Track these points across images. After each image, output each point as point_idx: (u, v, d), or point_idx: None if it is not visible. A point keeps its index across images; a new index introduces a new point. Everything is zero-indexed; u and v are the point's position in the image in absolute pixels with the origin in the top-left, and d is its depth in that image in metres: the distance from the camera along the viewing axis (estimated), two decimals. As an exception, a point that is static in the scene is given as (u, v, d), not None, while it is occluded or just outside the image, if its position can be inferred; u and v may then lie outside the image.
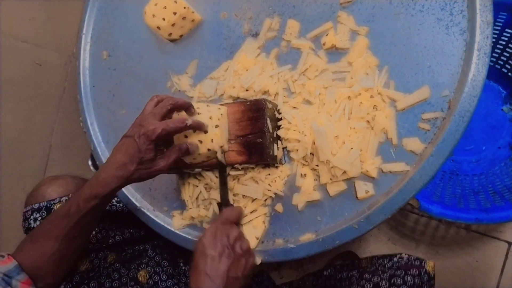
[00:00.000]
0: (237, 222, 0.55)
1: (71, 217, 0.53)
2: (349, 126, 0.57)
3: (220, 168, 0.60)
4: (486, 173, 0.88)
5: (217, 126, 0.58)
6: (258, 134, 0.58)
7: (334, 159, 0.56)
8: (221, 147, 0.59)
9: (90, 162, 1.27)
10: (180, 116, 0.57)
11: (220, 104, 0.62)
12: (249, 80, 0.65)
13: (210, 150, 0.58)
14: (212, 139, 0.57)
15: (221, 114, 0.59)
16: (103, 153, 0.80)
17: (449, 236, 0.95)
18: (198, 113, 0.58)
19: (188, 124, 0.53)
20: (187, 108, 0.56)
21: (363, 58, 0.59)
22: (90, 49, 0.85)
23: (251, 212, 0.63)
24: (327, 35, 0.62)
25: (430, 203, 0.73)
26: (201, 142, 0.57)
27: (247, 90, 0.65)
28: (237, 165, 0.61)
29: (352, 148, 0.56)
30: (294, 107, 0.62)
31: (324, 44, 0.62)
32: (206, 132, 0.57)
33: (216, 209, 0.64)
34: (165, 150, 0.55)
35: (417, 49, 0.56)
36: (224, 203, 0.61)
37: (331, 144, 0.57)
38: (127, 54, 0.80)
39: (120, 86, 0.80)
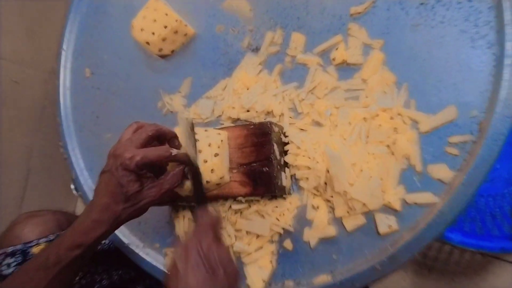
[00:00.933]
0: (215, 228, 0.45)
1: (50, 269, 0.44)
2: (367, 152, 0.51)
3: (191, 167, 0.49)
4: (502, 193, 0.82)
5: (216, 154, 0.50)
6: (264, 162, 0.51)
7: (352, 190, 0.49)
8: (221, 178, 0.51)
9: (72, 186, 1.18)
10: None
11: (220, 128, 0.55)
12: (251, 99, 0.58)
13: (209, 182, 0.51)
14: (212, 170, 0.50)
15: (221, 141, 0.52)
16: (86, 182, 0.71)
17: (464, 262, 0.89)
18: (196, 140, 0.51)
19: (173, 154, 0.45)
20: (170, 139, 0.49)
21: (378, 75, 0.53)
22: (71, 66, 0.78)
23: (256, 250, 0.55)
24: (336, 49, 0.56)
25: (449, 231, 0.67)
26: (199, 173, 0.50)
27: (248, 111, 0.59)
28: (240, 197, 0.53)
29: (371, 177, 0.50)
30: (302, 129, 0.56)
31: (333, 59, 0.56)
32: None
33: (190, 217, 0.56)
34: (151, 176, 0.47)
35: (440, 64, 0.50)
36: (199, 206, 0.49)
37: (347, 173, 0.50)
38: (112, 72, 0.72)
39: (105, 107, 0.72)
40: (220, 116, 0.61)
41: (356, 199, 0.49)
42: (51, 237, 0.60)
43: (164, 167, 0.50)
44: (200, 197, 0.48)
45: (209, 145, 0.51)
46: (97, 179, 0.47)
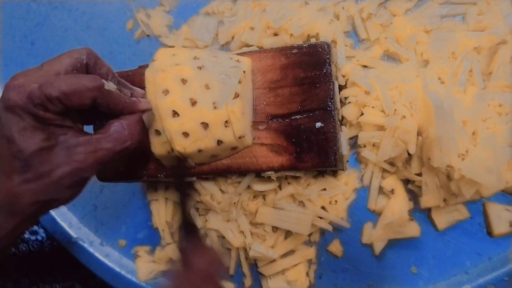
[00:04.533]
0: (215, 274, 0.29)
1: None
2: (487, 102, 0.31)
3: (179, 177, 0.31)
4: None
5: (237, 95, 0.28)
6: (316, 112, 0.30)
7: (464, 164, 0.29)
8: (240, 138, 0.29)
9: None
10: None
11: (238, 54, 0.32)
12: (282, 15, 0.36)
13: (221, 142, 0.29)
14: (226, 122, 0.28)
15: (244, 72, 0.30)
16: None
17: None
18: (199, 66, 0.28)
19: (106, 88, 0.27)
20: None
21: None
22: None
23: (285, 257, 0.35)
24: None
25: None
26: (205, 126, 0.28)
27: (276, 35, 0.37)
28: (268, 172, 0.32)
29: (496, 144, 0.30)
30: (366, 66, 0.35)
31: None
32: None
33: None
34: (72, 126, 0.28)
35: None
36: (187, 237, 0.31)
37: (458, 136, 0.30)
38: (55, -27, 0.48)
39: (45, 29, 0.50)
40: (228, 42, 0.39)
41: (470, 179, 0.29)
42: None
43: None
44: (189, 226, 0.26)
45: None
46: None
